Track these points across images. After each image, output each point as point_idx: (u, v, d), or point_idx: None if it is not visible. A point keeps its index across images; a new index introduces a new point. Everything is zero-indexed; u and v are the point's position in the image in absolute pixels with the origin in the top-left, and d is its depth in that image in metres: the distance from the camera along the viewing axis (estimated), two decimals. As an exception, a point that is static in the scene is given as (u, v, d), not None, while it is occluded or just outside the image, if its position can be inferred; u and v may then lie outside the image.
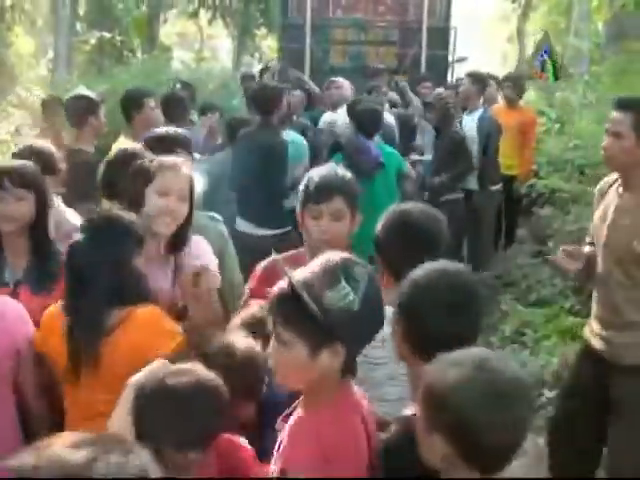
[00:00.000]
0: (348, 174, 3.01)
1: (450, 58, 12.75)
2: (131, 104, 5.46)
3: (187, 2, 21.32)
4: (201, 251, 3.15)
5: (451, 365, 1.78)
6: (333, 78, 8.65)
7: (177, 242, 3.05)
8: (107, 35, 17.19)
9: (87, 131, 5.39)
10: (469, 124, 7.34)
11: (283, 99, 6.04)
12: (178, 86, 8.74)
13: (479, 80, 7.65)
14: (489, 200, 7.33)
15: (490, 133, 7.24)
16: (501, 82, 8.56)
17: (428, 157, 7.64)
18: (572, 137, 8.19)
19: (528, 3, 24.38)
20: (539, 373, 5.27)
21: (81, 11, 21.43)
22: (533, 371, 5.32)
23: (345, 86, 8.48)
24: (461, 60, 14.87)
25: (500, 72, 11.17)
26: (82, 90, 5.67)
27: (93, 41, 19.72)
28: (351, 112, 6.08)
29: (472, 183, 7.22)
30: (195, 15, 21.26)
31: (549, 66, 11.82)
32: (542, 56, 12.10)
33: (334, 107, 7.95)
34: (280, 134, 5.86)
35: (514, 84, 8.22)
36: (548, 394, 5.05)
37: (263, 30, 20.56)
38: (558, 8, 24.37)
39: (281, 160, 5.77)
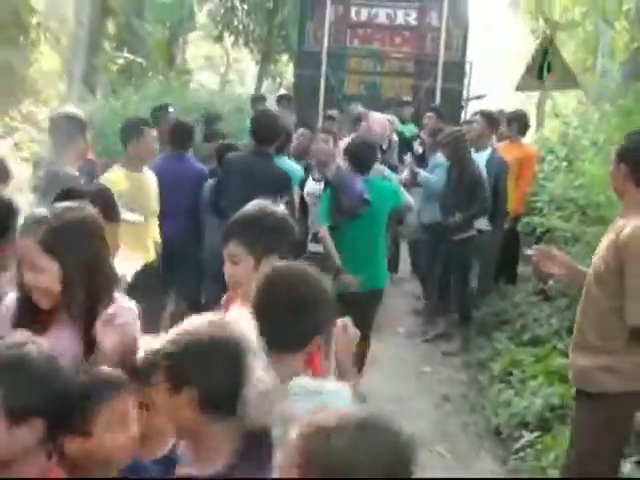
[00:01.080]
0: (267, 212, 2.90)
1: (465, 92, 12.80)
2: (129, 133, 5.44)
3: (212, 25, 21.53)
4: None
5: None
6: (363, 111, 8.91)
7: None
8: (129, 57, 17.35)
9: (72, 152, 4.93)
10: (478, 163, 7.29)
11: (282, 127, 5.88)
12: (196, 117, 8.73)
13: (493, 120, 7.69)
14: (497, 238, 7.32)
15: (499, 174, 7.23)
16: (508, 119, 8.54)
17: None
18: (578, 176, 8.14)
19: (552, 39, 24.32)
20: (522, 414, 5.20)
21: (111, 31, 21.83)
22: (515, 412, 5.25)
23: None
24: (480, 97, 14.90)
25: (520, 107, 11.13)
26: (71, 109, 5.56)
27: (121, 61, 20.00)
28: (346, 147, 6.00)
29: (483, 224, 7.20)
30: (220, 39, 21.46)
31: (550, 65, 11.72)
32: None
33: None
34: (272, 161, 5.68)
35: (517, 121, 8.22)
36: (529, 436, 4.97)
37: (285, 56, 20.73)
38: (585, 45, 24.37)
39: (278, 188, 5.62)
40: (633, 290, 3.33)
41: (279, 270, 2.40)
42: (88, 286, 2.44)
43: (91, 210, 2.54)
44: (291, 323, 2.27)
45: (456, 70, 12.51)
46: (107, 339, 2.40)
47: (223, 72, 29.19)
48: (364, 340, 5.40)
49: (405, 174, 7.86)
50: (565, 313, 6.41)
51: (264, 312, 2.30)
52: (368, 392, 5.92)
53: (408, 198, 6.17)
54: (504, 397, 5.53)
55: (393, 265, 8.78)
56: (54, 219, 2.41)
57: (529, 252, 3.86)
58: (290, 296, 2.29)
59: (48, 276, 2.38)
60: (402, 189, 6.29)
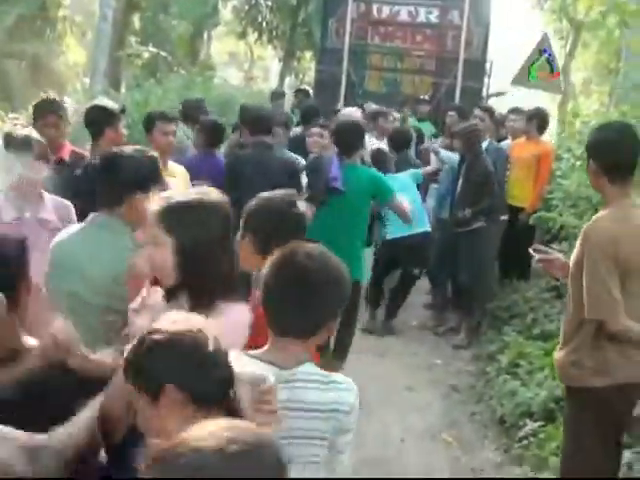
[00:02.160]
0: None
1: (485, 91, 12.84)
2: (144, 126, 5.54)
3: (236, 22, 21.70)
4: None
5: None
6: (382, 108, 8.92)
7: None
8: (154, 50, 17.56)
9: (103, 143, 4.90)
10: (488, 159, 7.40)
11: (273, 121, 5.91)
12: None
13: (490, 114, 7.81)
14: (497, 230, 7.41)
15: (495, 164, 7.33)
16: (528, 116, 8.61)
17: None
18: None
19: (575, 42, 24.26)
20: (527, 404, 5.28)
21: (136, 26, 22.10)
22: (520, 402, 5.34)
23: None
24: (500, 94, 14.93)
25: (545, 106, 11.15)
26: (102, 101, 5.68)
27: (146, 55, 20.25)
28: (332, 129, 5.96)
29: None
30: (243, 35, 21.62)
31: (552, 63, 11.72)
32: (549, 55, 11.99)
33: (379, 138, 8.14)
34: (277, 151, 5.73)
35: (537, 118, 8.29)
36: (532, 425, 5.06)
37: (308, 53, 20.86)
38: (608, 47, 24.25)
39: (293, 176, 5.60)
40: (589, 283, 3.31)
41: (291, 252, 2.25)
42: (205, 268, 2.38)
43: (216, 195, 2.50)
44: (301, 309, 2.18)
45: (476, 68, 12.54)
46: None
47: (247, 68, 29.30)
48: (347, 329, 5.47)
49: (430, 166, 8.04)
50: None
51: (273, 296, 2.22)
52: (380, 382, 6.10)
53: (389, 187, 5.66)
54: (510, 387, 5.62)
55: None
56: (176, 199, 2.44)
57: (530, 250, 3.86)
58: (302, 280, 2.19)
59: (164, 252, 2.40)
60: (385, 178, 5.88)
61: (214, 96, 11.77)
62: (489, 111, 7.95)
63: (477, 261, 7.25)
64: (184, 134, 6.84)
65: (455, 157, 7.57)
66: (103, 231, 3.05)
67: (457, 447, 5.19)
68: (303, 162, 6.24)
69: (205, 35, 18.89)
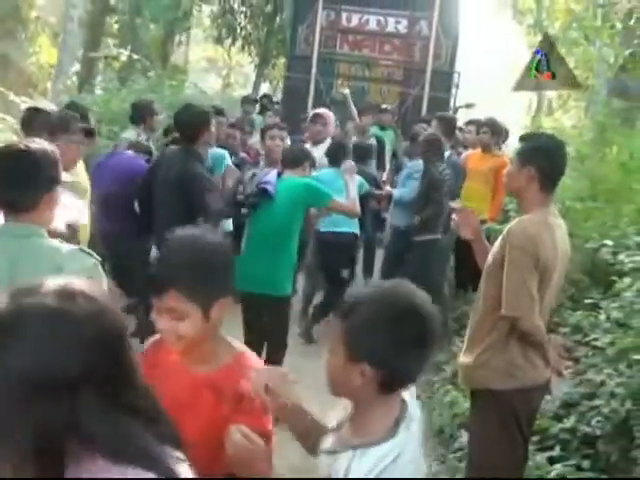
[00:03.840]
0: (206, 247, 2.16)
1: (452, 101, 12.91)
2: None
3: (213, 27, 21.69)
4: None
5: None
6: (319, 111, 8.61)
7: None
8: (125, 53, 17.51)
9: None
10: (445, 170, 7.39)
11: (209, 125, 5.36)
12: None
13: (447, 125, 7.79)
14: (448, 241, 7.41)
15: (454, 176, 7.34)
16: (479, 127, 8.63)
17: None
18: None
19: (552, 41, 24.40)
20: (464, 415, 5.26)
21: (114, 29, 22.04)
22: (458, 412, 5.33)
23: (331, 122, 8.46)
24: (469, 106, 14.99)
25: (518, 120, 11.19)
26: (41, 103, 5.62)
27: (123, 58, 20.21)
28: None
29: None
30: (219, 41, 21.60)
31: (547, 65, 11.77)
32: (544, 55, 12.03)
33: (315, 143, 7.74)
34: (196, 162, 5.27)
35: (491, 130, 8.27)
36: (467, 436, 5.04)
37: (283, 59, 20.87)
38: (585, 64, 24.48)
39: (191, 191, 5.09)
40: (510, 280, 3.34)
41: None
42: None
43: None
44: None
45: (444, 79, 12.64)
46: None
47: (225, 74, 29.31)
48: (277, 350, 5.31)
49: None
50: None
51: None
52: (318, 391, 6.06)
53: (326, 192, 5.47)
54: (450, 398, 5.61)
55: (368, 270, 8.87)
56: None
57: (453, 205, 3.90)
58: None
59: None
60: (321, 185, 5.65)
61: (179, 100, 11.71)
62: (443, 120, 7.94)
63: (429, 272, 7.25)
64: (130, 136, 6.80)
65: (405, 192, 7.61)
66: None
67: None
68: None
69: (177, 39, 18.82)
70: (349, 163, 6.41)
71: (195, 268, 2.06)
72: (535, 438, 4.73)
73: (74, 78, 18.30)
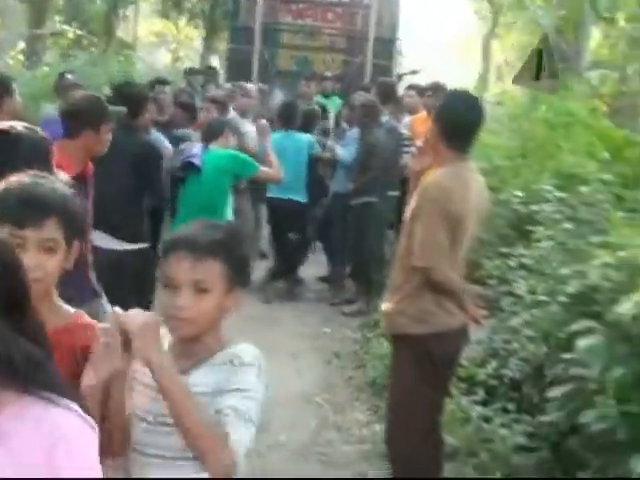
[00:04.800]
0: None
1: (395, 68, 13.04)
2: None
3: (159, 1, 21.50)
4: None
5: None
6: (242, 83, 8.92)
7: None
8: (68, 29, 17.32)
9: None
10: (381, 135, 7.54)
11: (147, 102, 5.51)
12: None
13: (385, 90, 7.95)
14: (387, 206, 7.58)
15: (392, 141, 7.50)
16: (422, 91, 8.80)
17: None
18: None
19: (495, 23, 24.69)
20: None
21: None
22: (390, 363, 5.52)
23: (253, 94, 8.72)
24: (414, 73, 15.12)
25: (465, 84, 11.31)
26: None
27: (70, 35, 19.98)
28: None
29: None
30: (165, 14, 21.44)
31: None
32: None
33: (243, 114, 8.06)
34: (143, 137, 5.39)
35: (435, 93, 8.44)
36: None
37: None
38: (532, 27, 24.74)
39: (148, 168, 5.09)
40: (421, 232, 3.46)
41: None
42: None
43: None
44: None
45: (386, 47, 12.76)
46: None
47: (174, 49, 29.06)
48: None
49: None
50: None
51: None
52: (267, 349, 6.22)
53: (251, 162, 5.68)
54: (384, 351, 5.79)
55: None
56: None
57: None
58: None
59: None
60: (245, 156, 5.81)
61: (122, 75, 11.68)
62: (416, 88, 8.14)
63: (368, 234, 7.42)
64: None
65: (345, 153, 7.75)
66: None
67: (329, 408, 5.36)
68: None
69: (121, 14, 18.65)
70: (262, 122, 6.48)
71: (69, 199, 2.01)
72: (463, 385, 4.99)
73: (20, 56, 18.12)
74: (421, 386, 3.58)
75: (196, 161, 5.36)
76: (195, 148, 5.52)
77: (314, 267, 8.43)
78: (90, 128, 4.05)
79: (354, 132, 7.82)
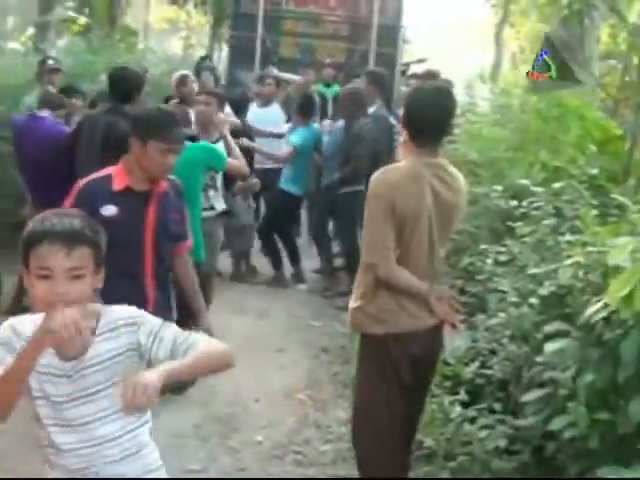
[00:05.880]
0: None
1: (399, 57, 12.84)
2: None
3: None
4: None
5: None
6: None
7: None
8: (73, 15, 17.24)
9: None
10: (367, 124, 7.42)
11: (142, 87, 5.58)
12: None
13: (375, 79, 7.82)
14: (362, 196, 7.46)
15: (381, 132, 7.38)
16: (421, 80, 8.65)
17: None
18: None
19: (507, 10, 24.41)
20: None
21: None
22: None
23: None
24: (421, 61, 14.96)
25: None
26: None
27: (82, 22, 19.91)
28: None
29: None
30: (175, 2, 21.32)
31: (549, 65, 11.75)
32: (541, 56, 12.01)
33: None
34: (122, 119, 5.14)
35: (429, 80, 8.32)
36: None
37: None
38: (547, 16, 24.42)
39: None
40: (366, 229, 3.45)
41: None
42: None
43: None
44: None
45: (390, 34, 12.52)
46: None
47: (185, 36, 28.98)
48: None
49: None
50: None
51: None
52: (252, 343, 6.14)
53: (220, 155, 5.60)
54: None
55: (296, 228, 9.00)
56: None
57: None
58: None
59: None
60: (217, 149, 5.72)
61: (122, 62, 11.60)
62: (371, 76, 7.97)
63: (356, 222, 7.30)
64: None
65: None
66: None
67: (310, 405, 5.27)
68: None
69: (123, 1, 18.51)
70: (220, 116, 6.31)
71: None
72: (448, 383, 4.88)
73: (29, 43, 18.09)
74: (380, 385, 3.50)
75: None
76: None
77: (308, 259, 8.33)
78: None
79: (340, 122, 7.71)
